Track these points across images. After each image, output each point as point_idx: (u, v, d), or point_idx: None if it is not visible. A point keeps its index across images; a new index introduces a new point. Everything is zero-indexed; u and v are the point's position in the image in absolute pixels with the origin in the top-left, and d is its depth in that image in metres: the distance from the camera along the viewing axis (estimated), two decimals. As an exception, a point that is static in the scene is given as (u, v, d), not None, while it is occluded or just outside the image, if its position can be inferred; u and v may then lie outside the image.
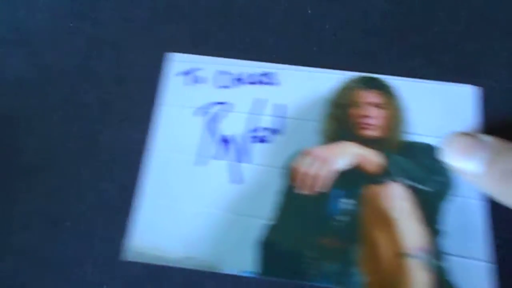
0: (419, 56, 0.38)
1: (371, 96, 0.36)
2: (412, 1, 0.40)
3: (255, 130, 0.36)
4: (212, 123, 0.35)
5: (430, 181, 0.33)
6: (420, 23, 0.39)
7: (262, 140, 0.35)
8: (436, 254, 0.32)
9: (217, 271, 0.33)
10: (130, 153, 0.38)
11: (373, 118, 0.35)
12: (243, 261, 0.33)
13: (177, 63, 0.39)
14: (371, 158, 0.34)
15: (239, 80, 0.37)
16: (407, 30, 0.39)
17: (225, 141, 0.36)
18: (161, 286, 0.33)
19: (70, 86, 0.37)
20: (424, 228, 0.32)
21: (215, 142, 0.36)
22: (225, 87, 0.37)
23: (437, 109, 0.36)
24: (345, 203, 0.33)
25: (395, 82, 0.37)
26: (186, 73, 0.38)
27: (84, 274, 0.35)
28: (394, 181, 0.33)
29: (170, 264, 0.33)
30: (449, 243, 0.33)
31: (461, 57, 0.38)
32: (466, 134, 0.31)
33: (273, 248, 0.33)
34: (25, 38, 0.40)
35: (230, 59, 0.37)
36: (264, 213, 0.33)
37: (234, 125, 0.37)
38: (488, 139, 0.29)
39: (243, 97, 0.37)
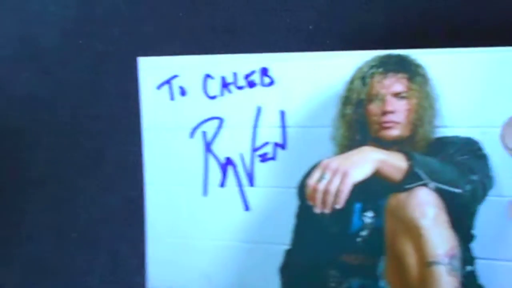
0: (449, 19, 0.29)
1: (393, 83, 0.29)
2: None
3: (259, 147, 0.32)
4: (211, 144, 0.30)
5: (464, 181, 0.29)
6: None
7: (267, 158, 0.30)
8: (466, 259, 0.30)
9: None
10: (135, 166, 0.37)
11: (396, 113, 0.29)
12: None
13: (153, 70, 0.32)
14: (394, 163, 0.29)
15: (227, 85, 0.30)
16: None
17: (230, 164, 0.32)
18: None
19: (78, 101, 0.37)
20: (454, 234, 0.29)
21: (220, 166, 0.32)
22: (214, 97, 0.30)
23: (480, 88, 0.28)
24: (368, 217, 0.30)
25: (422, 57, 0.29)
26: (167, 82, 0.31)
27: (91, 286, 0.36)
28: (422, 186, 0.29)
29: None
30: (481, 247, 0.30)
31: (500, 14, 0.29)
32: None
33: (295, 272, 0.32)
34: (35, 54, 0.40)
35: (213, 55, 0.30)
36: (282, 237, 0.32)
37: (235, 143, 0.32)
38: None
39: (236, 107, 0.31)
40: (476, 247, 0.30)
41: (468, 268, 0.30)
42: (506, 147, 0.26)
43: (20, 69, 0.38)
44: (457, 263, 0.29)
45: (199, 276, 0.32)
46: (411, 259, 0.30)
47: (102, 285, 0.36)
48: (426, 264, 0.30)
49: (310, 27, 0.31)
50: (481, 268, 0.30)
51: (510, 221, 0.29)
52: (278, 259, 0.32)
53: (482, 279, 0.30)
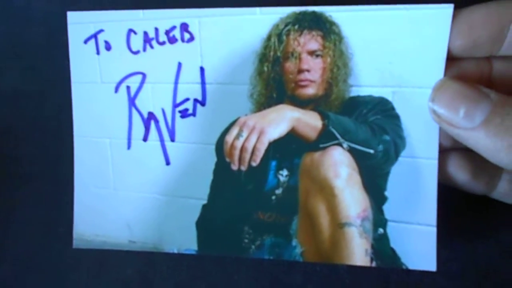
0: None
1: (307, 40, 0.27)
2: None
3: (180, 103, 0.32)
4: (135, 99, 0.30)
5: (377, 141, 0.28)
6: None
7: (188, 114, 0.30)
8: (377, 221, 0.30)
9: (159, 251, 0.33)
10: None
11: (311, 72, 0.28)
12: (184, 240, 0.33)
13: (81, 25, 0.32)
14: (309, 122, 0.28)
15: (150, 41, 0.29)
16: None
17: (152, 119, 0.32)
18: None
19: (64, 97, 0.36)
20: (367, 195, 0.28)
21: (143, 121, 0.32)
22: (137, 52, 0.30)
23: (392, 48, 0.28)
24: (283, 175, 0.29)
25: (336, 14, 0.28)
26: (94, 36, 0.32)
27: (78, 281, 0.37)
28: (336, 145, 0.28)
29: (116, 248, 0.33)
30: (393, 209, 0.29)
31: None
32: (464, 82, 0.26)
33: (211, 226, 0.32)
34: (21, 52, 0.40)
35: (135, 10, 0.29)
36: (200, 192, 0.32)
37: (157, 99, 0.32)
38: (488, 91, 0.25)
39: (157, 63, 0.31)
40: (387, 209, 0.28)
41: (380, 230, 0.29)
42: (432, 111, 0.24)
43: (6, 66, 0.39)
44: (369, 225, 0.29)
45: (121, 225, 0.32)
46: (324, 220, 0.29)
47: (89, 281, 0.36)
48: (338, 225, 0.30)
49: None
50: (392, 231, 0.28)
51: (421, 183, 0.28)
52: (195, 213, 0.32)
53: (393, 242, 0.28)
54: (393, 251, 0.29)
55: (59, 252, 0.36)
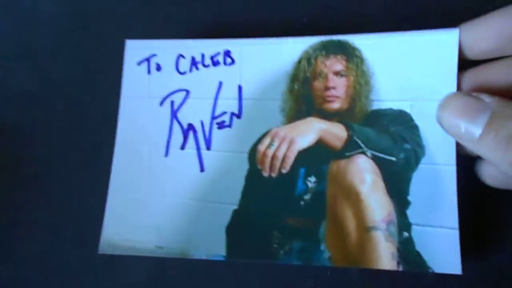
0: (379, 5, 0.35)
1: (335, 63, 0.31)
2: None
3: (218, 116, 0.35)
4: (177, 112, 0.33)
5: (398, 150, 0.30)
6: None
7: (224, 125, 0.32)
8: (402, 225, 0.31)
9: (186, 257, 0.33)
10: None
11: (337, 89, 0.31)
12: (212, 246, 0.33)
13: (136, 50, 0.37)
14: (335, 132, 0.31)
15: (196, 64, 0.33)
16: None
17: (191, 129, 0.35)
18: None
19: (72, 98, 0.38)
20: (391, 200, 0.29)
21: (182, 131, 0.35)
22: (184, 73, 0.33)
23: (408, 67, 0.32)
24: (311, 182, 0.31)
25: (358, 42, 0.33)
26: (147, 60, 0.36)
27: (87, 283, 0.36)
28: (360, 153, 0.30)
29: (142, 254, 0.33)
30: (416, 213, 0.31)
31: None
32: (465, 94, 0.28)
33: (241, 231, 0.33)
34: (28, 52, 0.41)
35: (186, 40, 0.34)
36: (231, 198, 0.33)
37: (197, 112, 0.35)
38: (490, 100, 0.25)
39: (201, 82, 0.36)
40: (411, 214, 0.31)
41: (405, 234, 0.31)
42: (441, 127, 0.28)
43: (14, 67, 0.40)
44: (394, 229, 0.30)
45: (150, 230, 0.33)
46: (351, 224, 0.31)
47: (97, 284, 0.35)
48: (364, 229, 0.31)
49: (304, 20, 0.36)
50: (417, 234, 0.31)
51: (441, 188, 0.31)
52: (226, 218, 0.33)
53: (418, 246, 0.30)
54: (418, 254, 0.30)
55: (67, 254, 0.36)
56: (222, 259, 0.32)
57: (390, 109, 0.32)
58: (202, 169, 0.33)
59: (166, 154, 0.34)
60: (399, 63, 0.32)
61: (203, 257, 0.32)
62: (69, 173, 0.37)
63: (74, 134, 0.37)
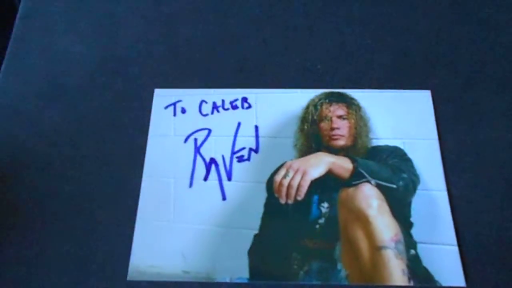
0: (375, 69, 0.42)
1: (337, 109, 0.38)
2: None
3: (237, 151, 0.39)
4: (200, 148, 0.37)
5: (397, 178, 0.35)
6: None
7: (243, 159, 0.36)
8: (408, 244, 0.34)
9: (211, 281, 0.33)
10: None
11: (340, 129, 0.37)
12: (236, 269, 0.34)
13: (164, 97, 0.41)
14: (343, 165, 0.36)
15: (217, 107, 0.39)
16: (354, 50, 0.43)
17: (213, 163, 0.38)
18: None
19: (100, 136, 0.39)
20: (397, 222, 0.34)
21: (205, 165, 0.38)
22: (206, 115, 0.38)
23: (397, 114, 0.40)
24: (324, 207, 0.35)
25: (355, 94, 0.40)
26: (173, 104, 0.41)
27: None
28: (365, 182, 0.35)
29: (169, 280, 0.34)
30: (419, 232, 0.35)
31: (411, 66, 0.42)
32: None
33: (262, 254, 0.35)
34: (60, 92, 0.42)
35: (209, 89, 0.39)
36: (252, 224, 0.35)
37: (219, 148, 0.39)
38: None
39: (222, 122, 0.40)
40: (415, 233, 0.35)
41: (412, 251, 0.35)
42: None
43: (46, 106, 0.41)
44: (402, 247, 0.35)
45: (176, 256, 0.34)
46: (363, 244, 0.35)
47: None
48: (376, 248, 0.35)
49: (319, 66, 0.43)
50: (422, 251, 0.34)
51: (437, 210, 0.37)
52: (247, 243, 0.35)
53: (425, 262, 0.34)
54: (426, 270, 0.34)
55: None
56: (245, 281, 0.34)
57: (387, 145, 0.39)
58: (224, 198, 0.37)
59: (190, 185, 0.37)
60: (389, 109, 0.40)
61: (227, 280, 0.33)
62: (99, 208, 0.37)
63: (102, 172, 0.38)
